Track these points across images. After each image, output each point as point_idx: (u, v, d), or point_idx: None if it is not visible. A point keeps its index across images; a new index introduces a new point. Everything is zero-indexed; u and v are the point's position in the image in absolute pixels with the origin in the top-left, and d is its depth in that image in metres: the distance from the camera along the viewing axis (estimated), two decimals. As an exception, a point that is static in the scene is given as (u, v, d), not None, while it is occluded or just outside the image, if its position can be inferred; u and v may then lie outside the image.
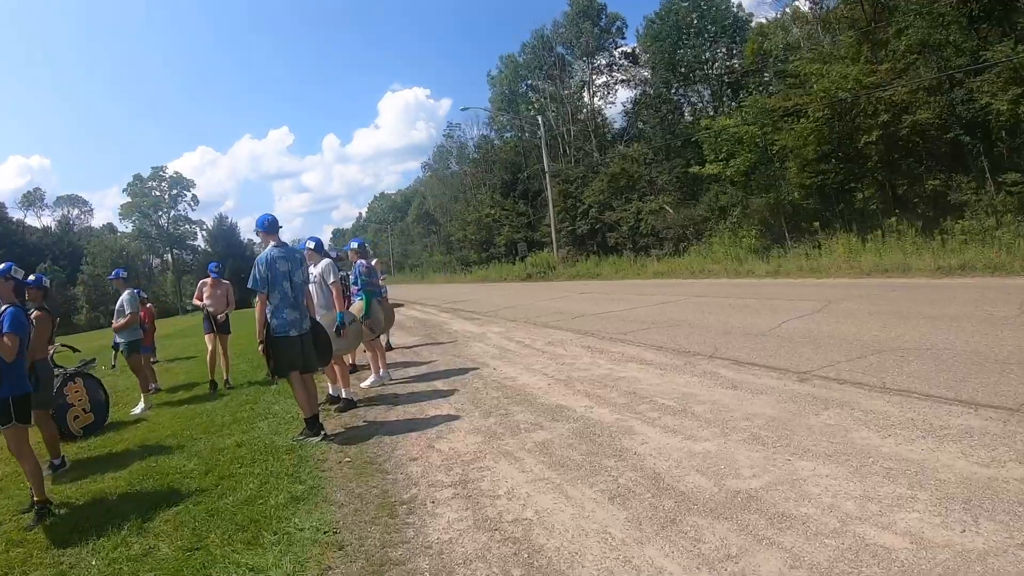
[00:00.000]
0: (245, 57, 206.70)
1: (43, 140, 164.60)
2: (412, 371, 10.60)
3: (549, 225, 46.32)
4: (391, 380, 9.92)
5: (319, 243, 9.18)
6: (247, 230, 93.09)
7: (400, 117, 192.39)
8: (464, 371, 9.84)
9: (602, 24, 56.61)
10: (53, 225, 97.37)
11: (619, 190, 43.59)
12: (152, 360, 14.14)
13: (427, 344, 13.96)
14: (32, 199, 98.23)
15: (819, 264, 21.46)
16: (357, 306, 9.48)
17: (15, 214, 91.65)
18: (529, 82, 62.44)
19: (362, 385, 9.64)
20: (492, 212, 60.71)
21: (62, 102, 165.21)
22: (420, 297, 36.10)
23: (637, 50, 54.49)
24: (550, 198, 44.33)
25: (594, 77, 57.64)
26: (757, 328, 10.32)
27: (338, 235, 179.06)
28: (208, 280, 12.45)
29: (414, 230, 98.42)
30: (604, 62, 57.67)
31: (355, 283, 9.83)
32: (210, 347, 11.86)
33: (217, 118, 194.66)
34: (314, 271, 8.59)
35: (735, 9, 48.15)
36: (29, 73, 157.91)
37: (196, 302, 12.57)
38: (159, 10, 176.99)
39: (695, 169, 34.81)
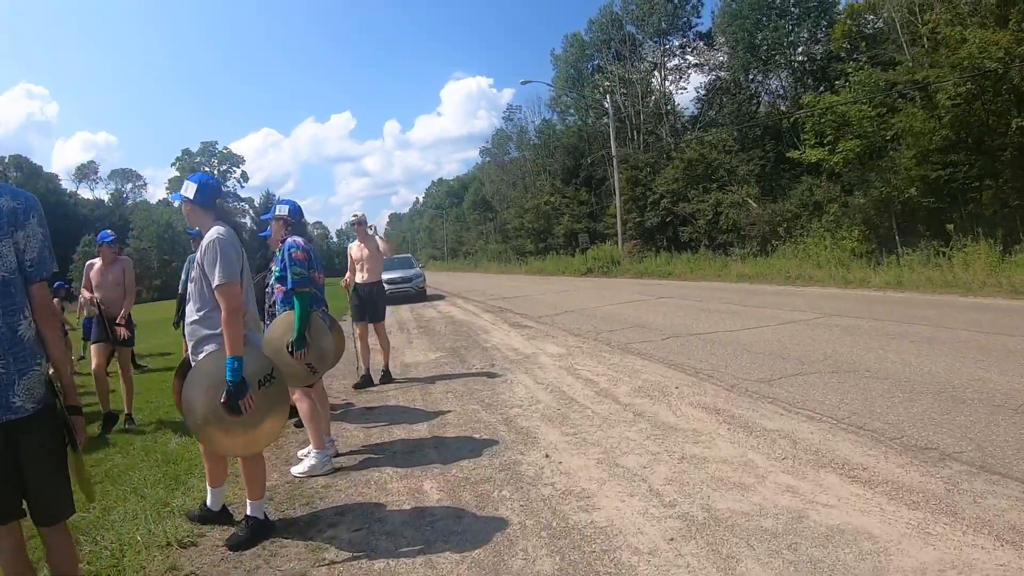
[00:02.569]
0: (311, 41, 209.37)
1: (112, 118, 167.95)
2: (396, 434, 6.40)
3: (614, 215, 41.76)
4: (337, 459, 5.67)
5: (295, 208, 5.98)
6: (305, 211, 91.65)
7: (462, 105, 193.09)
8: (487, 453, 5.46)
9: (675, 1, 51.57)
10: (107, 198, 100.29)
11: (695, 179, 38.93)
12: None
13: (447, 369, 9.71)
14: (86, 172, 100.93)
15: (955, 277, 16.81)
16: (279, 324, 5.52)
17: (69, 186, 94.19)
18: (595, 62, 57.77)
19: (294, 471, 5.41)
20: (552, 199, 56.26)
21: (132, 82, 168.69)
22: (466, 288, 32.10)
23: (713, 31, 49.65)
24: (617, 185, 39.93)
25: (665, 59, 52.86)
26: None
27: (396, 220, 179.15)
28: (96, 261, 8.17)
29: (470, 217, 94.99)
30: (677, 43, 52.83)
31: (280, 278, 5.71)
32: (95, 363, 7.80)
33: (281, 101, 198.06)
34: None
35: None
36: (103, 52, 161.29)
37: (84, 296, 8.47)
38: None
39: (793, 154, 30.03)
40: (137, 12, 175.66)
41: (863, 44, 32.56)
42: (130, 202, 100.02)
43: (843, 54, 35.83)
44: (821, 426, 5.44)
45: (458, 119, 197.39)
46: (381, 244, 9.16)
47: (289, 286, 5.46)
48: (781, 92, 44.15)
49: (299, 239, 5.69)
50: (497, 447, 5.51)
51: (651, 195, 41.55)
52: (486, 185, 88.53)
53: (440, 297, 26.39)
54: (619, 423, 5.94)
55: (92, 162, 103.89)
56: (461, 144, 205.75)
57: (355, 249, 9.13)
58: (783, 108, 41.81)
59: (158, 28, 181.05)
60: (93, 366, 7.78)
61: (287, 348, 5.26)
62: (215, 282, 3.84)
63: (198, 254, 3.99)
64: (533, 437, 5.71)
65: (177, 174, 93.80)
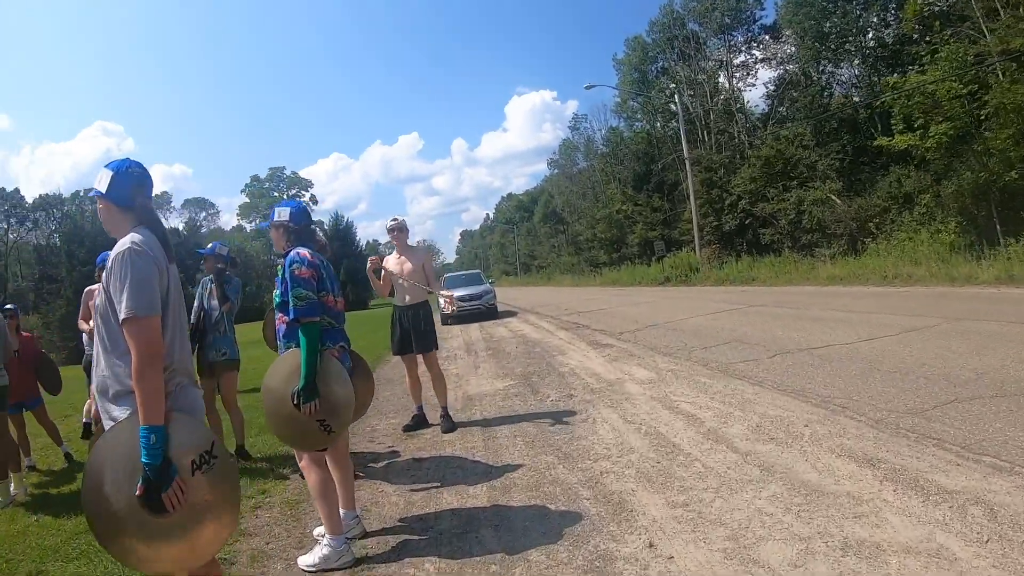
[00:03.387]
0: (375, 66, 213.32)
1: (186, 150, 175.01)
2: (447, 501, 4.92)
3: (690, 221, 39.98)
4: (364, 542, 4.28)
5: (299, 209, 4.60)
6: (374, 232, 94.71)
7: (527, 120, 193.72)
8: (566, 539, 3.91)
9: (737, -5, 49.69)
10: (181, 227, 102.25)
11: (774, 177, 36.90)
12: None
13: (517, 403, 8.23)
14: (159, 202, 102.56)
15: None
16: (280, 367, 4.09)
17: None
18: (660, 64, 55.78)
19: (301, 563, 3.98)
20: (624, 208, 54.47)
21: (204, 115, 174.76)
22: (539, 302, 30.76)
23: (779, 23, 47.09)
24: (691, 189, 38.14)
25: (731, 56, 50.64)
26: None
27: (467, 237, 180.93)
28: (95, 288, 7.05)
29: (541, 230, 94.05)
30: (742, 38, 50.60)
31: (280, 304, 4.23)
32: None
33: (349, 125, 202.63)
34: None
35: None
36: (174, 88, 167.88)
37: (83, 327, 7.99)
38: (295, 25, 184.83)
39: (882, 141, 27.88)
40: (205, 48, 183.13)
41: (937, 23, 30.38)
42: (204, 230, 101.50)
43: (916, 36, 33.72)
44: (1018, 480, 3.85)
45: (524, 134, 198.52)
46: (420, 259, 7.48)
47: (291, 316, 4.03)
48: (854, 82, 41.83)
49: (304, 251, 4.20)
50: (580, 527, 4.00)
51: (728, 197, 39.73)
52: (556, 198, 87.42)
53: (512, 314, 25.02)
54: (743, 485, 4.38)
55: (165, 192, 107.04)
56: (528, 158, 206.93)
57: (393, 262, 7.46)
58: (856, 98, 39.69)
59: (226, 63, 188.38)
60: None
61: (291, 399, 3.87)
62: (121, 314, 2.56)
63: (104, 275, 2.64)
64: (629, 510, 4.17)
65: (247, 200, 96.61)
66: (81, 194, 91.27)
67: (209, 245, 7.45)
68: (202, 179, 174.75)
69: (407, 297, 7.38)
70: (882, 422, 5.41)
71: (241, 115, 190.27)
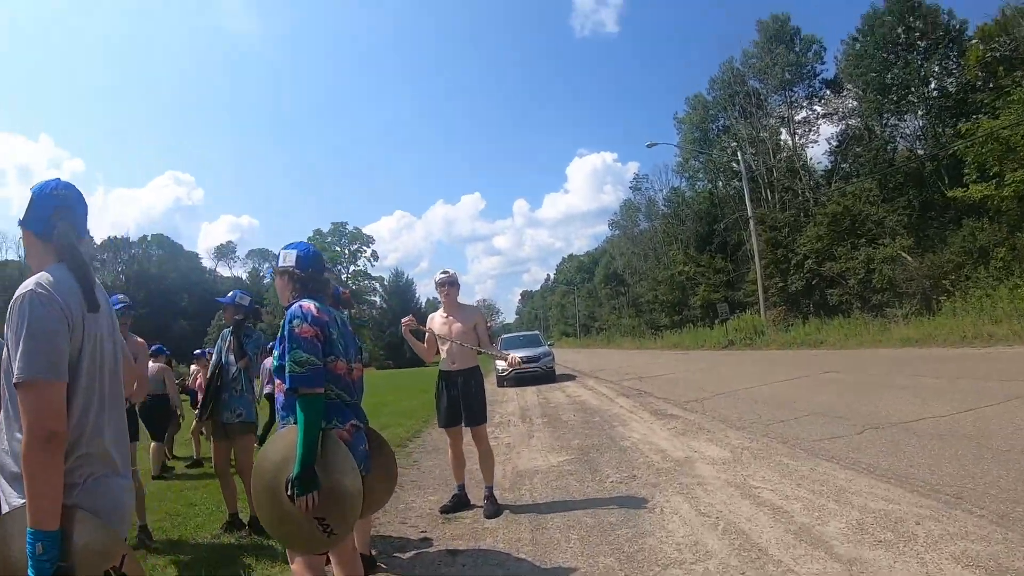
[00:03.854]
0: (439, 127, 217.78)
1: (253, 202, 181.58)
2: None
3: (754, 282, 38.92)
4: None
5: (307, 253, 3.77)
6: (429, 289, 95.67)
7: (588, 181, 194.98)
8: None
9: (797, 50, 49.26)
10: (245, 276, 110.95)
11: (841, 234, 35.68)
12: None
13: (572, 483, 7.24)
14: (224, 251, 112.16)
15: None
16: (275, 446, 3.29)
17: (208, 264, 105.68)
18: (721, 122, 55.65)
19: None
20: (686, 269, 53.69)
21: (272, 170, 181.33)
22: (599, 366, 29.74)
23: (839, 76, 46.76)
24: (755, 249, 37.09)
25: (793, 112, 50.08)
26: None
27: (527, 298, 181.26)
28: None
29: (601, 292, 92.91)
30: (803, 94, 50.11)
31: (278, 369, 3.37)
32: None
33: (412, 184, 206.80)
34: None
35: (945, 17, 39.34)
36: (244, 142, 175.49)
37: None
38: (362, 86, 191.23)
39: (956, 192, 26.75)
40: (277, 107, 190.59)
41: (1000, 69, 29.35)
42: (266, 280, 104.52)
43: (979, 83, 32.73)
44: None
45: (585, 195, 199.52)
46: (474, 319, 6.55)
47: (288, 384, 3.19)
48: (918, 134, 40.72)
49: (309, 304, 3.36)
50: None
51: (793, 256, 38.63)
52: (617, 259, 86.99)
53: (570, 377, 24.07)
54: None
55: (230, 242, 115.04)
56: (589, 219, 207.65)
57: (439, 322, 6.58)
58: (921, 151, 38.64)
59: (295, 122, 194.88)
60: None
61: (285, 489, 3.06)
62: (14, 375, 1.94)
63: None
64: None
65: None
66: (148, 238, 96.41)
67: (229, 294, 6.78)
68: (269, 231, 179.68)
69: (454, 361, 6.43)
70: (1007, 517, 4.42)
71: (309, 171, 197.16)
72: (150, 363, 9.45)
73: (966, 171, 26.40)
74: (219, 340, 6.53)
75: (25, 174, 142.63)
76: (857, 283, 33.37)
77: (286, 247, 3.70)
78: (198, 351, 13.40)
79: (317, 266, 3.62)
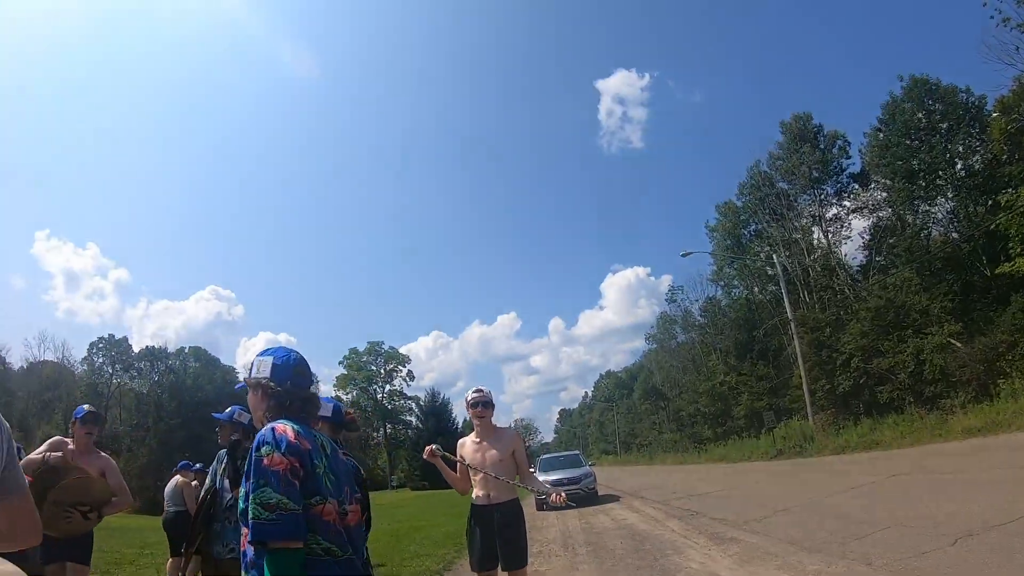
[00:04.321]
0: (474, 248, 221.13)
1: (292, 320, 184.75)
2: None
3: (799, 387, 37.53)
4: None
5: (286, 361, 2.97)
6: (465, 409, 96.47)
7: (623, 296, 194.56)
8: None
9: (822, 147, 48.79)
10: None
11: (886, 328, 34.31)
12: None
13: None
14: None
15: None
16: None
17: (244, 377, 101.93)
18: (753, 227, 55.03)
19: None
20: (727, 379, 52.18)
21: (309, 290, 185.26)
22: (643, 485, 28.25)
23: (865, 168, 46.02)
24: (799, 352, 35.84)
25: (823, 210, 49.21)
26: None
27: (566, 416, 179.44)
28: (67, 441, 5.64)
29: (641, 407, 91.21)
30: (831, 190, 49.25)
31: (242, 511, 2.48)
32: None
33: (450, 305, 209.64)
34: None
35: (963, 95, 38.77)
36: (284, 263, 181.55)
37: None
38: (392, 212, 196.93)
39: (1004, 268, 25.74)
40: (316, 231, 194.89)
41: None
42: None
43: (1005, 156, 32.07)
44: None
45: (620, 310, 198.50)
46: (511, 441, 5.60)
47: (252, 535, 2.34)
48: (950, 217, 39.86)
49: (285, 427, 2.56)
50: None
51: (838, 356, 37.02)
52: (655, 373, 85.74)
53: (614, 498, 22.65)
54: None
55: None
56: (626, 335, 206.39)
57: (471, 448, 5.65)
58: (956, 234, 37.73)
59: (333, 244, 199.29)
60: None
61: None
62: None
63: None
64: None
65: (344, 372, 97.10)
66: (186, 350, 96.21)
67: (228, 409, 5.91)
68: (306, 349, 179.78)
69: (490, 494, 5.45)
70: None
71: (347, 291, 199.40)
72: (175, 479, 10.35)
73: (1010, 244, 25.45)
74: (214, 462, 5.70)
75: (72, 280, 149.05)
76: (908, 377, 31.80)
77: (261, 353, 2.92)
78: (183, 462, 12.11)
79: (299, 379, 2.84)
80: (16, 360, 78.43)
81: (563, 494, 5.14)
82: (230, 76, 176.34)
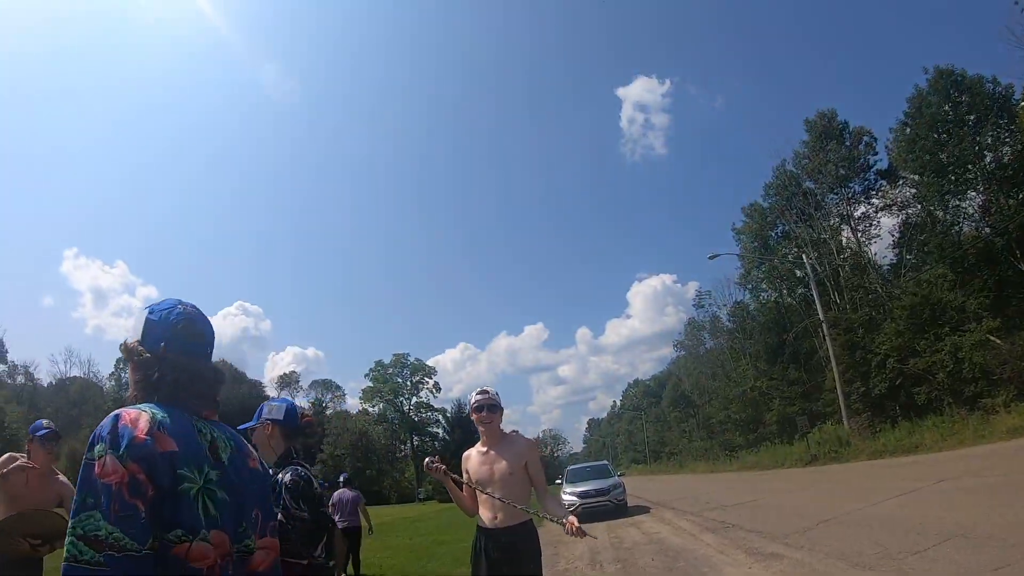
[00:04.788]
0: (500, 260, 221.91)
1: (320, 334, 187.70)
2: None
3: (832, 390, 36.55)
4: None
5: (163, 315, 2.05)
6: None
7: (649, 304, 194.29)
8: None
9: (848, 144, 47.66)
10: (307, 406, 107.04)
11: (922, 326, 33.19)
12: None
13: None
14: (287, 381, 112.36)
15: None
16: None
17: (272, 393, 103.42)
18: (780, 229, 53.80)
19: None
20: (758, 384, 51.14)
21: (337, 303, 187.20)
22: (674, 495, 27.31)
23: (892, 163, 44.81)
24: (832, 354, 34.78)
25: (851, 209, 48.20)
26: None
27: (594, 425, 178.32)
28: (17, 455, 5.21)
29: (670, 415, 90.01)
30: (859, 189, 48.19)
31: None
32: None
33: (477, 317, 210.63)
34: None
35: (990, 85, 37.70)
36: (310, 278, 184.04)
37: None
38: (418, 225, 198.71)
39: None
40: (341, 244, 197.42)
41: None
42: (329, 411, 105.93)
43: None
44: None
45: (647, 319, 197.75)
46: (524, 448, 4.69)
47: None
48: (983, 210, 38.57)
49: (140, 415, 1.78)
50: None
51: (873, 357, 35.82)
52: (684, 380, 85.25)
53: (644, 510, 21.76)
54: None
55: (293, 372, 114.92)
56: (654, 343, 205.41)
57: (475, 461, 4.75)
58: (987, 228, 36.75)
59: (358, 259, 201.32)
60: None
61: None
62: None
63: None
64: None
65: (371, 384, 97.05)
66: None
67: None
68: (334, 363, 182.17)
69: (498, 515, 4.51)
70: None
71: (374, 306, 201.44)
72: None
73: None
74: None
75: (101, 298, 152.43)
76: (946, 376, 30.62)
77: (145, 307, 2.13)
78: None
79: (181, 343, 2.04)
80: (44, 376, 79.92)
81: (577, 523, 4.23)
82: (259, 90, 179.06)
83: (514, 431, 4.95)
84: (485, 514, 4.58)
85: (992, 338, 29.16)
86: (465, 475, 4.76)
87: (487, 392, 4.75)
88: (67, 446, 66.52)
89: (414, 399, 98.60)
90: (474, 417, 4.73)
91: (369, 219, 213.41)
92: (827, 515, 11.71)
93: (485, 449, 4.69)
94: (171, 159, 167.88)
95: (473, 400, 4.76)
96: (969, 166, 37.46)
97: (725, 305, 68.61)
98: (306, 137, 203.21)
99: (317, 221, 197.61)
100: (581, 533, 4.09)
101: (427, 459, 4.71)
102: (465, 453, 4.90)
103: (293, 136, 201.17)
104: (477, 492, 4.61)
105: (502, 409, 4.79)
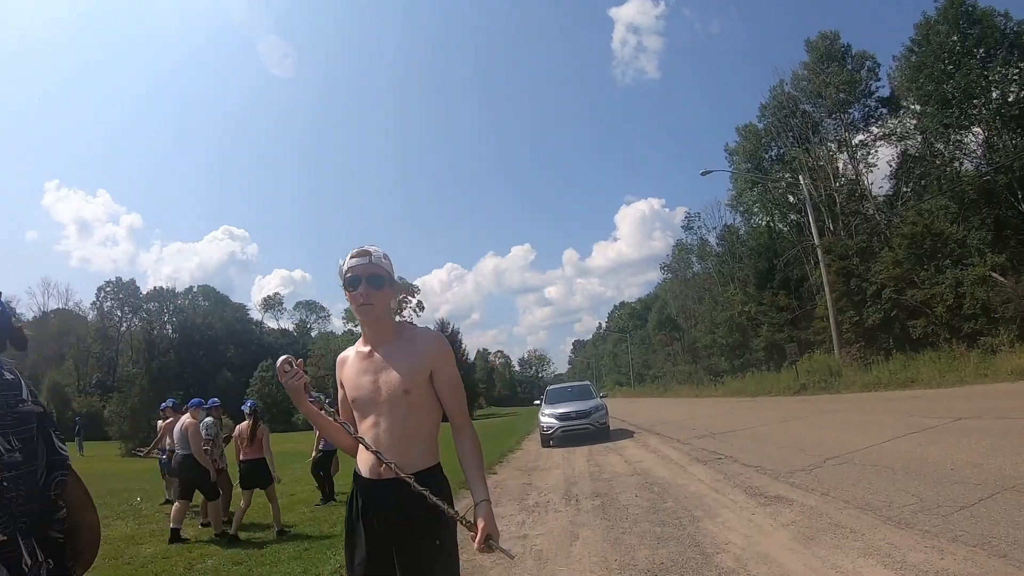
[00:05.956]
0: (488, 180, 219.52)
1: (306, 257, 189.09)
2: None
3: (823, 318, 35.77)
4: None
5: None
6: (486, 342, 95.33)
7: (637, 228, 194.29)
8: None
9: (849, 67, 45.66)
10: (292, 327, 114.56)
11: (921, 258, 31.95)
12: None
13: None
14: (271, 303, 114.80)
15: None
16: None
17: (256, 316, 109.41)
18: (774, 151, 52.04)
19: None
20: (746, 309, 49.98)
21: (325, 227, 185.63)
22: (659, 418, 26.40)
23: (895, 91, 43.18)
24: (825, 282, 33.48)
25: (849, 135, 46.54)
26: None
27: (579, 347, 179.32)
28: None
29: (655, 338, 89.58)
30: (858, 115, 46.45)
31: None
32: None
33: (463, 237, 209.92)
34: None
35: (1001, 19, 35.95)
36: (298, 199, 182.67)
37: None
38: (405, 145, 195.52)
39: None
40: (329, 165, 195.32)
41: None
42: (314, 332, 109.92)
43: None
44: None
45: (634, 242, 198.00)
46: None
47: None
48: (985, 146, 37.25)
49: None
50: None
51: (868, 287, 34.64)
52: (670, 304, 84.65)
53: (627, 434, 20.63)
54: None
55: (277, 294, 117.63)
56: (640, 267, 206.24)
57: (351, 369, 2.93)
58: (984, 166, 35.44)
59: (346, 179, 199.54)
60: None
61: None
62: None
63: None
64: None
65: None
66: (194, 290, 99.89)
67: None
68: (320, 285, 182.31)
69: (380, 466, 2.73)
70: None
71: (361, 227, 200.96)
72: (184, 418, 9.76)
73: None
74: None
75: (85, 229, 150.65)
76: (945, 311, 29.47)
77: None
78: (195, 400, 10.54)
79: None
80: (25, 311, 79.29)
81: (486, 535, 2.56)
82: (242, 8, 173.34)
83: (410, 324, 3.22)
84: (364, 455, 2.83)
85: (995, 275, 27.95)
86: (340, 391, 3.03)
87: (367, 253, 2.87)
88: (47, 379, 65.83)
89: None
90: (348, 297, 2.87)
91: (357, 140, 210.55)
92: (834, 451, 10.37)
93: (368, 349, 2.91)
94: (151, 85, 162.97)
95: (345, 268, 2.87)
96: (975, 100, 35.90)
97: (714, 228, 67.90)
98: (286, 58, 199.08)
99: (303, 144, 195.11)
100: (489, 549, 2.59)
101: (282, 358, 2.93)
102: (341, 355, 3.07)
103: (272, 57, 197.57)
104: (356, 417, 2.92)
105: (393, 280, 2.94)
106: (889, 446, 10.09)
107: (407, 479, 2.62)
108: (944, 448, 9.10)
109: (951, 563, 4.63)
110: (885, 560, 4.90)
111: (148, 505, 12.35)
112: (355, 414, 2.91)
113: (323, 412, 2.95)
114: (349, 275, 2.83)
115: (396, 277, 2.98)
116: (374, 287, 2.82)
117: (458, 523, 2.64)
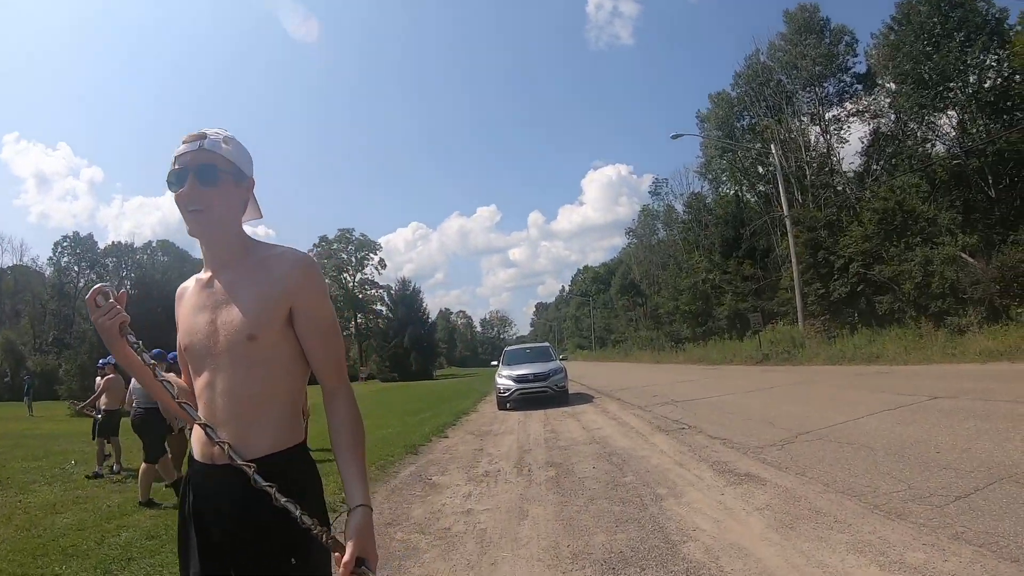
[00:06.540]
0: (455, 139, 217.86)
1: (272, 213, 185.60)
2: None
3: (788, 289, 35.64)
4: None
5: None
6: (449, 302, 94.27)
7: (603, 193, 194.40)
8: None
9: (827, 41, 45.15)
10: None
11: (891, 234, 31.62)
12: None
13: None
14: None
15: None
16: None
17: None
18: (747, 121, 51.53)
19: None
20: (711, 277, 49.67)
21: (290, 177, 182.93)
22: (619, 383, 25.81)
23: (872, 69, 42.92)
24: (792, 252, 33.11)
25: (822, 109, 46.07)
26: None
27: (541, 309, 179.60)
28: None
29: (618, 303, 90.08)
30: (832, 89, 46.00)
31: None
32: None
33: (429, 196, 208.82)
34: None
35: (983, 4, 35.35)
36: (264, 151, 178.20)
37: None
38: (374, 100, 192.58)
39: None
40: (293, 119, 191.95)
41: None
42: None
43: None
44: None
45: (600, 207, 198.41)
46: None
47: None
48: (959, 129, 36.90)
49: None
50: None
51: (836, 260, 34.26)
52: (634, 269, 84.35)
53: (586, 399, 20.09)
54: None
55: None
56: (606, 232, 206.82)
57: (188, 305, 2.07)
58: (957, 149, 35.41)
59: (311, 134, 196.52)
60: None
61: None
62: None
63: None
64: None
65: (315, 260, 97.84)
66: (153, 244, 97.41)
67: None
68: (283, 239, 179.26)
69: (212, 445, 1.89)
70: None
71: (326, 182, 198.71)
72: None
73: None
74: None
75: (44, 183, 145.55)
76: (913, 288, 29.14)
77: None
78: (156, 350, 9.16)
79: None
80: None
81: (362, 564, 1.67)
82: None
83: (270, 244, 2.14)
84: (198, 433, 1.99)
85: (965, 256, 27.66)
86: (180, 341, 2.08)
87: (203, 136, 2.00)
88: (2, 337, 64.36)
89: (359, 276, 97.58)
90: (175, 197, 2.01)
91: (322, 93, 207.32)
92: (806, 426, 9.76)
93: (207, 276, 2.10)
94: (112, 34, 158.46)
95: (175, 158, 2.00)
96: (951, 83, 35.56)
97: (681, 195, 67.56)
98: (251, 8, 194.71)
99: (269, 95, 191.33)
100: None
101: (94, 288, 2.01)
102: (181, 286, 2.21)
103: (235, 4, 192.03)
104: (192, 376, 2.09)
105: (247, 179, 2.13)
106: (864, 423, 9.50)
107: (245, 467, 1.77)
108: (924, 428, 8.51)
109: (956, 566, 3.96)
110: (879, 559, 4.21)
111: (80, 469, 11.48)
112: (189, 368, 2.06)
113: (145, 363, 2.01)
114: (177, 165, 1.98)
115: (250, 172, 2.12)
116: (206, 183, 1.96)
117: (319, 537, 1.74)
